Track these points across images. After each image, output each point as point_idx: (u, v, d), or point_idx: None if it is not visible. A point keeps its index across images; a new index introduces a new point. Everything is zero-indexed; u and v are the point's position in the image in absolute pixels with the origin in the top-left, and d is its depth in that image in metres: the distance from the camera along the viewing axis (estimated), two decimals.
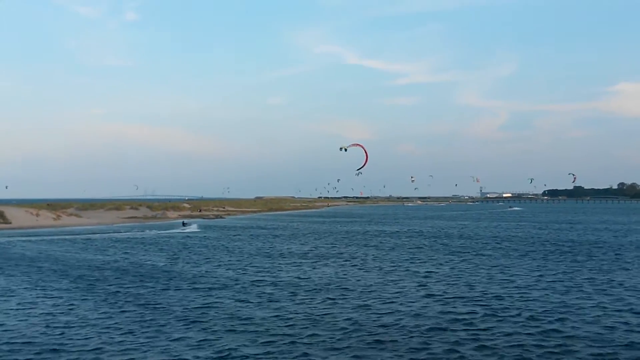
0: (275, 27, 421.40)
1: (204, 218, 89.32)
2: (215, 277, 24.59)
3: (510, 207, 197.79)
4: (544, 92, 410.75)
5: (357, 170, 50.69)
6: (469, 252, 35.39)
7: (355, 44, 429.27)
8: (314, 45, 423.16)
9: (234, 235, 51.34)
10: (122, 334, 14.81)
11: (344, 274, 25.57)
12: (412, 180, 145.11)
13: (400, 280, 23.78)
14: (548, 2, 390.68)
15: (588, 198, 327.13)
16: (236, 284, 22.62)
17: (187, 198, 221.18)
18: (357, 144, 51.19)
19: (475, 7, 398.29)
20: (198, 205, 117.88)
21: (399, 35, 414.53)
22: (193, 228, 62.01)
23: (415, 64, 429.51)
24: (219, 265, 29.17)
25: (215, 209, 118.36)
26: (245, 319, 16.40)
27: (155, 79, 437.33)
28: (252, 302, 18.81)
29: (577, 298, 19.39)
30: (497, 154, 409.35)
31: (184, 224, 66.47)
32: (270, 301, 19.02)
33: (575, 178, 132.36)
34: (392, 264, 29.39)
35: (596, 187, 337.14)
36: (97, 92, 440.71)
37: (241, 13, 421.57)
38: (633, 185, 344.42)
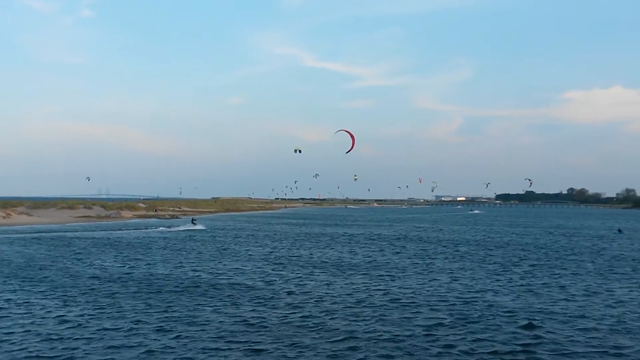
0: (235, 28, 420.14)
1: (159, 218, 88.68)
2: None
3: (471, 210, 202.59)
4: (496, 97, 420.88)
5: (346, 152, 55.32)
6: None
7: (313, 46, 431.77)
8: (273, 47, 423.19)
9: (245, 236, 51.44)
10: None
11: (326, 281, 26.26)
12: (355, 178, 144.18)
13: (362, 283, 24.65)
14: (503, 10, 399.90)
15: (539, 203, 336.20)
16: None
17: (142, 198, 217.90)
18: (344, 130, 55.48)
19: (434, 12, 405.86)
20: (154, 205, 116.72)
21: (357, 38, 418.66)
22: (200, 226, 64.54)
23: (373, 67, 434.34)
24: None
25: (171, 209, 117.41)
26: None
27: (111, 77, 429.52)
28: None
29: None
30: (451, 158, 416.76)
31: (193, 221, 68.41)
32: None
33: (531, 183, 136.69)
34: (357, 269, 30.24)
35: (547, 192, 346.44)
36: (52, 89, 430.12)
37: (200, 12, 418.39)
38: (582, 191, 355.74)
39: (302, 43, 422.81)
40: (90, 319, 16.56)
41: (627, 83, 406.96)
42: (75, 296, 20.18)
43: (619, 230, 69.52)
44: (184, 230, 59.75)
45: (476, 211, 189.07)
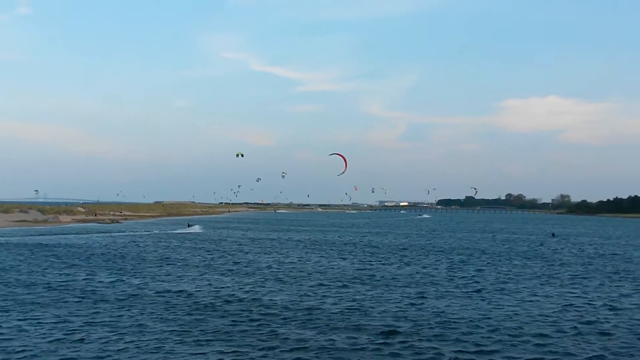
0: (181, 29, 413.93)
1: (99, 223, 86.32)
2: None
3: (419, 215, 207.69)
4: (440, 105, 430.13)
5: (339, 175, 58.68)
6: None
7: (261, 50, 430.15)
8: (220, 50, 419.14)
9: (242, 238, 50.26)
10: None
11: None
12: (283, 176, 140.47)
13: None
14: (448, 18, 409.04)
15: (478, 208, 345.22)
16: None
17: (82, 201, 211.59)
18: (337, 154, 58.73)
19: (382, 19, 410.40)
20: (93, 209, 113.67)
21: (306, 43, 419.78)
22: (197, 229, 70.36)
23: (320, 72, 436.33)
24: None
25: (111, 213, 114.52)
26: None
27: (51, 76, 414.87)
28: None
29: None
30: (394, 164, 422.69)
31: (188, 225, 74.51)
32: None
33: (476, 191, 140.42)
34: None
35: (486, 198, 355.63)
36: None
37: (146, 11, 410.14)
38: (519, 196, 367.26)
39: (250, 47, 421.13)
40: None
41: (563, 93, 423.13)
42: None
43: (553, 235, 72.83)
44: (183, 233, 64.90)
45: (425, 216, 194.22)
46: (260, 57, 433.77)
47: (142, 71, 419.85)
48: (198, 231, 68.38)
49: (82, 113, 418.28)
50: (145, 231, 67.09)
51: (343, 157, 57.22)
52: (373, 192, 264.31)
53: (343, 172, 57.45)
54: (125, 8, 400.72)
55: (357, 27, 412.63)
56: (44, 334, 15.26)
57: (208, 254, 38.93)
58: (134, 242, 48.56)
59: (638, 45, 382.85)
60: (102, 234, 58.05)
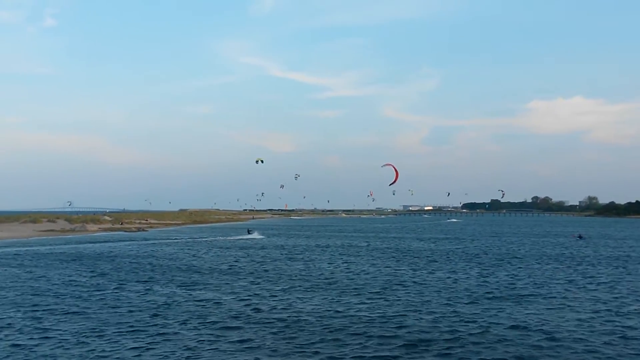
0: (202, 36, 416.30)
1: (125, 231, 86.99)
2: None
3: (448, 219, 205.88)
4: (463, 107, 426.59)
5: (390, 185, 61.09)
6: None
7: (279, 56, 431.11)
8: (238, 56, 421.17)
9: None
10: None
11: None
12: (296, 177, 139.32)
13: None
14: (469, 21, 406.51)
15: (504, 211, 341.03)
16: None
17: (108, 210, 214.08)
18: (389, 164, 61.95)
19: (400, 22, 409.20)
20: (119, 218, 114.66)
21: (324, 48, 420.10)
22: (256, 235, 74.53)
23: (340, 77, 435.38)
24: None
25: (137, 221, 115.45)
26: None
27: (76, 87, 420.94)
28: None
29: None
30: (417, 167, 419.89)
31: (248, 232, 78.97)
32: None
33: (503, 194, 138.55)
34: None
35: (512, 201, 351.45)
36: (15, 99, 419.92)
37: (165, 20, 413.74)
38: (546, 199, 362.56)
39: (268, 53, 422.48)
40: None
41: (588, 93, 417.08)
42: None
43: (580, 237, 72.80)
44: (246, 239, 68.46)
45: (454, 220, 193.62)
46: (278, 63, 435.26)
47: (163, 79, 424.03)
48: (258, 237, 72.17)
49: (105, 123, 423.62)
50: (201, 238, 68.77)
51: (394, 167, 60.31)
52: (394, 194, 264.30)
53: (394, 182, 60.54)
54: (145, 17, 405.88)
55: (374, 30, 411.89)
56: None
57: (304, 265, 37.01)
58: (211, 252, 48.71)
59: None
60: (159, 241, 58.29)
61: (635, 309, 20.12)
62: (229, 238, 69.51)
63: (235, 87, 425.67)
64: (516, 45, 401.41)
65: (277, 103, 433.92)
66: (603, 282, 27.78)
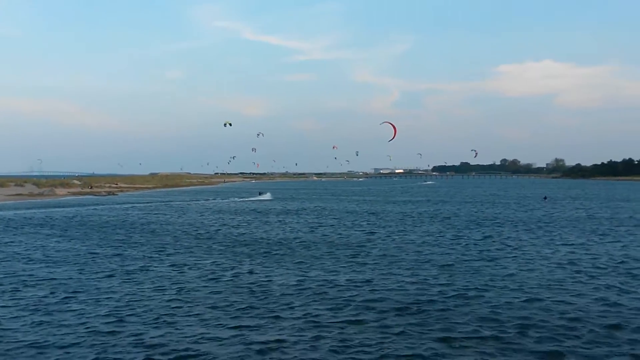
0: (172, 0, 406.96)
1: (95, 195, 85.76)
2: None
3: (424, 181, 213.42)
4: (433, 71, 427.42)
5: (389, 141, 64.24)
6: None
7: (252, 19, 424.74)
8: (211, 20, 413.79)
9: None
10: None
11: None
12: (258, 135, 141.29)
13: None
14: None
15: (474, 174, 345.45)
16: None
17: (77, 174, 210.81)
18: (387, 122, 64.92)
19: None
20: (89, 182, 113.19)
21: (296, 12, 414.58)
22: (267, 196, 78.15)
23: (312, 41, 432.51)
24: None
25: (107, 185, 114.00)
26: None
27: (45, 51, 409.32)
28: None
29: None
30: (384, 130, 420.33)
31: (260, 193, 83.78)
32: None
33: (476, 154, 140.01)
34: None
35: (481, 163, 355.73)
36: None
37: None
38: (514, 162, 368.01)
39: (240, 16, 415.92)
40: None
41: (558, 57, 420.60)
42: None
43: (545, 198, 75.60)
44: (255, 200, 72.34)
45: (429, 182, 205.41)
46: (251, 26, 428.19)
47: (134, 44, 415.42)
48: (270, 198, 75.86)
49: (76, 87, 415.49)
50: (221, 199, 74.96)
51: (392, 125, 63.62)
52: (357, 155, 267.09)
53: (393, 138, 63.86)
54: None
55: None
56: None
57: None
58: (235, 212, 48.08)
59: (634, 8, 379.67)
60: (175, 203, 57.43)
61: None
62: (234, 200, 72.95)
63: (207, 51, 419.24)
64: (487, 9, 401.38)
65: (248, 67, 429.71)
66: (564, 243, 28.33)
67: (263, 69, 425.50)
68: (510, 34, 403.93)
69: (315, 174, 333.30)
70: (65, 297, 16.13)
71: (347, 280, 18.49)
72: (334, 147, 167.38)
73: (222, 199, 75.93)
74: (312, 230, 34.73)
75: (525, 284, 17.67)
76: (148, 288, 17.36)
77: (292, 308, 14.86)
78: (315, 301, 15.63)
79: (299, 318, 13.93)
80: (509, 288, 17.17)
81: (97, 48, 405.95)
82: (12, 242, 29.05)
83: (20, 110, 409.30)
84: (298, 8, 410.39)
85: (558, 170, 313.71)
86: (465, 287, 17.23)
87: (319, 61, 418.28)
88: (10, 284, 18.08)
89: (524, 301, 15.50)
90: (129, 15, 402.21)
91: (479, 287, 17.22)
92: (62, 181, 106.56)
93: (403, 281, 18.23)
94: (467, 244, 27.70)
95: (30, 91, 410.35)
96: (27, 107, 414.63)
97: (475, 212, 50.98)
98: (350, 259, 22.95)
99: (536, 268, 20.72)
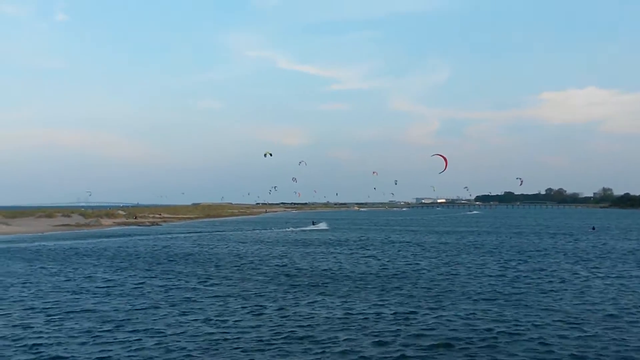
0: (207, 30, 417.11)
1: (139, 225, 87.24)
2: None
3: (469, 211, 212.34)
4: (473, 99, 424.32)
5: (440, 173, 64.17)
6: None
7: (287, 48, 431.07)
8: (245, 49, 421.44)
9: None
10: None
11: None
12: (300, 163, 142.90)
13: None
14: (478, 11, 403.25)
15: (518, 203, 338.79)
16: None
17: (122, 205, 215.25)
18: (438, 154, 65.14)
19: (408, 14, 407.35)
20: (133, 212, 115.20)
21: (332, 41, 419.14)
22: (323, 226, 79.90)
23: (349, 70, 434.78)
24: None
25: (151, 215, 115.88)
26: None
27: (86, 82, 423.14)
28: None
29: None
30: (429, 161, 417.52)
31: (313, 223, 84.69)
32: None
33: (522, 182, 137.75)
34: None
35: (525, 193, 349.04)
36: (27, 95, 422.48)
37: (170, 13, 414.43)
38: (560, 191, 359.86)
39: (275, 45, 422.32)
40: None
41: (601, 83, 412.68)
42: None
43: (593, 228, 73.22)
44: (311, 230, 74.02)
45: (474, 212, 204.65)
46: (286, 55, 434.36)
47: (172, 73, 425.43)
48: (326, 228, 76.89)
49: (116, 117, 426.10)
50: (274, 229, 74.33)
51: (444, 157, 63.78)
52: (396, 184, 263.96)
53: (444, 170, 63.84)
54: (152, 12, 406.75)
55: (383, 23, 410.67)
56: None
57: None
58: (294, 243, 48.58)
59: None
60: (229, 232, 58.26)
61: None
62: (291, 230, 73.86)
63: (243, 81, 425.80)
64: (527, 36, 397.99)
65: (285, 96, 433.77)
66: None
67: (299, 98, 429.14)
68: (552, 60, 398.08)
69: (357, 203, 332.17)
70: (114, 327, 16.28)
71: (393, 313, 18.16)
72: (374, 173, 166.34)
73: (268, 229, 76.23)
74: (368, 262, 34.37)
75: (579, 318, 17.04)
76: (195, 319, 17.38)
77: (336, 343, 14.63)
78: (361, 334, 15.37)
79: (344, 352, 13.70)
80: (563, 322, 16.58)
81: (136, 78, 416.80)
82: (60, 271, 29.64)
83: (63, 142, 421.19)
84: (333, 37, 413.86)
85: (606, 199, 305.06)
86: (515, 322, 16.70)
87: (355, 90, 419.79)
88: (62, 313, 18.39)
89: (577, 338, 14.92)
90: (166, 45, 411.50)
91: (530, 322, 16.67)
92: (108, 212, 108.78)
93: (450, 315, 17.79)
94: (516, 276, 26.95)
95: (73, 122, 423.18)
96: (69, 138, 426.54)
97: (527, 242, 49.74)
98: (397, 290, 22.58)
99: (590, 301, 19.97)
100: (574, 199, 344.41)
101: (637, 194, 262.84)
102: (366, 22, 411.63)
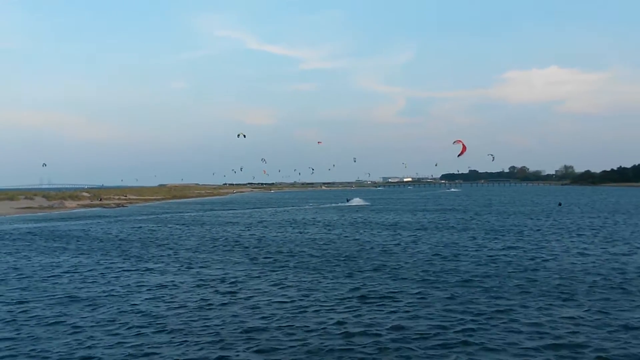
0: (175, 10, 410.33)
1: (104, 207, 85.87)
2: None
3: (447, 189, 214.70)
4: (438, 79, 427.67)
5: (458, 156, 69.03)
6: None
7: (255, 29, 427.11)
8: (214, 30, 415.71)
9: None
10: None
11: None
12: (240, 135, 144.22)
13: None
14: None
15: (482, 181, 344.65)
16: None
17: (86, 187, 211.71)
18: (458, 140, 69.94)
19: None
20: (98, 194, 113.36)
21: (299, 21, 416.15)
22: (360, 202, 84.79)
23: (316, 49, 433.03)
24: None
25: (116, 197, 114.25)
26: None
27: (47, 63, 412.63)
28: None
29: None
30: (395, 139, 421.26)
31: (347, 200, 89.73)
32: None
33: (493, 158, 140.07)
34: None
35: (489, 171, 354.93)
36: None
37: None
38: (523, 169, 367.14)
39: (243, 26, 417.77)
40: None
41: (563, 63, 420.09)
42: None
43: (559, 204, 76.02)
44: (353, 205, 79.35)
45: (453, 189, 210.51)
46: (255, 36, 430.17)
47: (138, 55, 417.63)
48: (364, 203, 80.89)
49: (81, 99, 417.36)
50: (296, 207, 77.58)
51: (463, 143, 68.42)
52: (355, 161, 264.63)
53: (461, 154, 68.55)
54: None
55: (348, 3, 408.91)
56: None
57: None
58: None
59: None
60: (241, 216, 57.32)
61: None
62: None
63: (211, 61, 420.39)
64: (491, 16, 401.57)
65: (254, 76, 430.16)
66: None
67: (268, 78, 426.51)
68: (515, 40, 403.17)
69: (324, 183, 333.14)
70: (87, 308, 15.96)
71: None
72: (319, 142, 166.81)
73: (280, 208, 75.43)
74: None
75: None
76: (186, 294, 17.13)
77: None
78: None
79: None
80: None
81: (100, 60, 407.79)
82: (28, 256, 28.96)
83: (27, 124, 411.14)
84: (300, 16, 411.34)
85: (567, 177, 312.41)
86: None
87: (322, 70, 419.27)
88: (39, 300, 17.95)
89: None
90: (132, 26, 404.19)
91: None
92: (72, 194, 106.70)
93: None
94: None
95: (36, 104, 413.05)
96: (33, 120, 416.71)
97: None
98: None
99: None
100: (537, 177, 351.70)
101: (598, 171, 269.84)
102: (333, 2, 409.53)
